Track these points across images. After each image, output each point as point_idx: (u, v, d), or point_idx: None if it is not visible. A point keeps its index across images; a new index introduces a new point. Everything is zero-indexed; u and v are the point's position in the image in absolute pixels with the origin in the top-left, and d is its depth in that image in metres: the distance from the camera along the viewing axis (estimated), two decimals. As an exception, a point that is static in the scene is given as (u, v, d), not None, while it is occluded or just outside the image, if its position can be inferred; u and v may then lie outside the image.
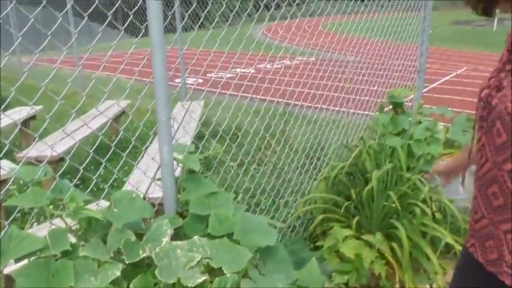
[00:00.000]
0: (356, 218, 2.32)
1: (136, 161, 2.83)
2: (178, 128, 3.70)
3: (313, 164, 2.90)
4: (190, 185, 1.65)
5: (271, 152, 2.86)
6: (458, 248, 2.31)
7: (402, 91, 3.11)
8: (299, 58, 3.68)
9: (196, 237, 1.41)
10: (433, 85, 7.76)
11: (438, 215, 2.56)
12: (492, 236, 1.09)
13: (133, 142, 1.75)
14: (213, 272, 1.36)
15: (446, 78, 8.70)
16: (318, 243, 2.34)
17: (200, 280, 1.23)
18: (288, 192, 2.63)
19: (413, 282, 2.21)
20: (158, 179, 1.63)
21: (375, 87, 3.50)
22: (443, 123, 3.20)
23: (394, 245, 2.28)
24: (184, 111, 4.08)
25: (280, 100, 2.56)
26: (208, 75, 8.28)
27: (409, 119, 2.97)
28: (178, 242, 1.35)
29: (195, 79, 8.09)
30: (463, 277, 1.28)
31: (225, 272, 1.30)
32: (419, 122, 2.94)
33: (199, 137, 3.44)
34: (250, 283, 1.36)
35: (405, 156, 2.67)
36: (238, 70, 3.86)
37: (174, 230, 1.52)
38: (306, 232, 2.48)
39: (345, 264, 2.21)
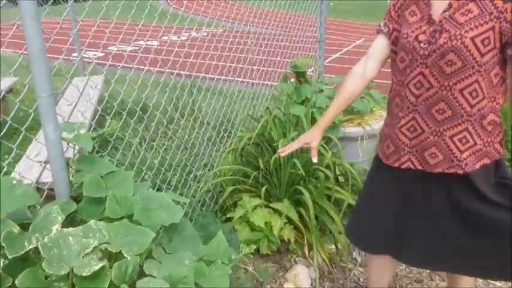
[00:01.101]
0: (264, 187, 2.35)
1: (29, 145, 2.56)
2: (75, 105, 3.41)
3: (221, 136, 2.87)
4: (84, 166, 1.51)
5: (177, 127, 2.76)
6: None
7: (304, 60, 3.17)
8: (206, 29, 3.59)
9: (92, 222, 1.30)
10: (336, 55, 8.12)
11: (341, 178, 2.70)
12: (434, 144, 1.45)
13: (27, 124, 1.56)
14: (117, 257, 1.27)
15: (348, 48, 9.15)
16: (229, 215, 2.33)
17: (97, 267, 1.14)
18: (196, 166, 2.58)
19: (321, 244, 2.31)
20: (46, 162, 1.48)
21: (278, 58, 3.53)
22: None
23: (302, 210, 2.35)
24: (81, 88, 3.77)
25: (186, 73, 2.47)
26: (110, 48, 7.77)
27: (311, 88, 3.05)
28: (71, 229, 1.24)
29: (94, 53, 7.53)
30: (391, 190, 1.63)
31: (125, 255, 1.22)
32: (321, 91, 3.04)
33: (100, 115, 3.21)
34: (154, 264, 1.29)
35: (309, 124, 2.75)
36: (142, 43, 3.63)
37: (70, 216, 1.40)
38: (217, 205, 2.45)
39: (255, 233, 2.24)
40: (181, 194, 2.39)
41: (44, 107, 1.33)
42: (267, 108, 2.89)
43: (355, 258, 2.37)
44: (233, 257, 1.41)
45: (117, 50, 5.62)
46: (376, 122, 2.93)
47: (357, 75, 1.64)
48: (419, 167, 1.51)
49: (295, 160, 2.30)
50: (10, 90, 3.90)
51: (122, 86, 2.00)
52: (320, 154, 2.56)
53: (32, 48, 1.27)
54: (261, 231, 2.23)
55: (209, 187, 2.45)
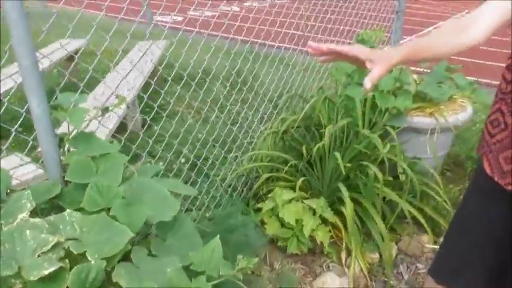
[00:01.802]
0: (301, 180, 2.06)
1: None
2: (130, 70, 3.35)
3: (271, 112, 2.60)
4: (79, 144, 1.36)
5: (236, 97, 2.54)
6: (414, 213, 2.08)
7: (374, 33, 2.74)
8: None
9: (66, 212, 1.14)
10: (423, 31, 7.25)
11: (402, 177, 2.30)
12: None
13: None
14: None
15: (439, 23, 8.16)
16: (261, 205, 2.10)
17: (47, 271, 0.98)
18: (237, 144, 2.35)
19: (361, 251, 2.00)
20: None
21: (347, 27, 3.11)
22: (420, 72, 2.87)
23: (345, 209, 2.04)
24: (140, 53, 3.70)
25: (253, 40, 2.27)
26: (188, 12, 7.71)
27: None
28: (37, 220, 1.09)
29: (170, 17, 7.55)
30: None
31: (88, 257, 1.05)
32: (390, 71, 2.60)
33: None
34: (127, 270, 1.11)
35: (369, 109, 2.37)
36: (222, 8, 3.44)
37: (54, 200, 1.26)
38: (251, 192, 2.23)
39: (285, 229, 1.98)
40: (215, 175, 2.20)
41: (27, 78, 1.18)
42: (321, 87, 2.55)
43: (401, 273, 2.03)
44: (222, 273, 1.18)
45: (194, 15, 5.53)
46: (454, 114, 2.46)
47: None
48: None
49: (336, 153, 1.97)
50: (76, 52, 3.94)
51: (185, 53, 1.87)
52: (373, 148, 2.20)
53: (10, 11, 1.10)
54: (291, 229, 1.97)
55: (242, 171, 2.22)
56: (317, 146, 2.10)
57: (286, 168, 2.12)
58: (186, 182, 2.09)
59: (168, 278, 1.12)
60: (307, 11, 2.92)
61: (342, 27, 3.05)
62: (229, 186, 2.17)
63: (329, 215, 1.92)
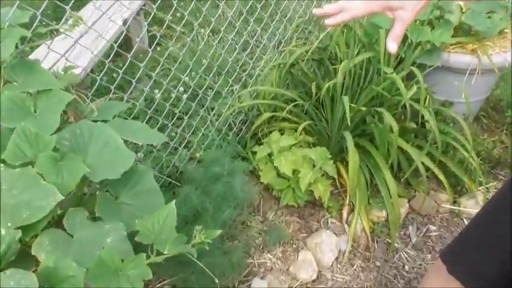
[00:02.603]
0: (304, 124, 1.78)
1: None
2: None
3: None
4: (18, 76, 1.12)
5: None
6: (430, 167, 1.80)
7: None
8: None
9: (-13, 163, 0.94)
10: None
11: (427, 126, 1.97)
12: None
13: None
14: None
15: None
16: (257, 149, 1.86)
17: None
18: (248, 71, 2.05)
19: (365, 208, 1.76)
20: None
21: None
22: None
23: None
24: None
25: None
26: None
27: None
28: None
29: None
30: None
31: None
32: None
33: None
34: (53, 241, 0.92)
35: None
36: None
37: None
38: (250, 132, 1.97)
39: (281, 179, 1.76)
40: (211, 108, 1.94)
41: None
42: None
43: (409, 235, 1.80)
44: (168, 251, 0.97)
45: None
46: (502, 52, 2.04)
47: None
48: None
49: (344, 98, 1.65)
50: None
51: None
52: (396, 89, 1.85)
53: None
54: (288, 180, 1.74)
55: (241, 108, 1.95)
56: (327, 84, 1.78)
57: (289, 108, 1.84)
58: (186, 113, 1.85)
59: (98, 254, 0.92)
60: None
61: None
62: (226, 123, 1.91)
63: (330, 168, 1.66)
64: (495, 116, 2.46)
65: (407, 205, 1.87)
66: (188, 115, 1.86)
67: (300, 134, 1.92)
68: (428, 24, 2.01)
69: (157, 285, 1.46)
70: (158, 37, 1.64)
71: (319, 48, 2.01)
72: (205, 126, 1.85)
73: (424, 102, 1.81)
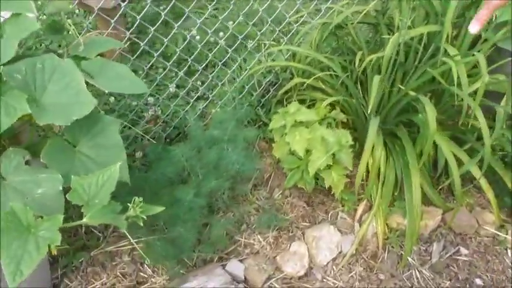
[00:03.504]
0: (331, 99, 1.52)
1: None
2: None
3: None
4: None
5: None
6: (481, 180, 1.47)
7: None
8: None
9: None
10: None
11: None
12: None
13: None
14: None
15: None
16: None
17: None
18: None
19: (383, 209, 1.49)
20: None
21: None
22: None
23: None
24: None
25: None
26: None
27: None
28: None
29: None
30: None
31: None
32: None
33: None
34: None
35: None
36: None
37: None
38: (276, 97, 1.75)
39: (292, 157, 1.54)
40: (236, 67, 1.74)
41: None
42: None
43: (431, 253, 1.51)
44: (90, 220, 0.83)
45: None
46: None
47: None
48: None
49: (376, 76, 1.34)
50: None
51: None
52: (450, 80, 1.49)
53: None
54: (300, 159, 1.51)
55: (269, 68, 1.72)
56: (371, 56, 1.48)
57: (322, 76, 1.57)
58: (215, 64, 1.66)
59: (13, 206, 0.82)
60: None
61: None
62: (250, 82, 1.70)
63: (345, 157, 1.40)
64: None
65: (440, 217, 1.56)
66: (217, 65, 1.67)
67: (332, 109, 1.67)
68: (526, 0, 1.56)
69: (120, 243, 1.37)
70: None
71: (376, 12, 1.67)
72: (222, 82, 1.66)
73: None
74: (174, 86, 1.72)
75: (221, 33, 1.91)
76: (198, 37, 1.97)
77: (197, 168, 1.37)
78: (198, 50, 1.65)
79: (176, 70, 1.65)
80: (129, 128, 1.58)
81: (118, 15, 1.51)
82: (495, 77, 1.63)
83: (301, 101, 1.74)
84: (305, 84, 1.68)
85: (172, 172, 1.35)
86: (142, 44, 1.45)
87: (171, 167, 1.35)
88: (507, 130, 1.55)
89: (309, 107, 1.73)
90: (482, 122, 1.33)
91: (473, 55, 1.44)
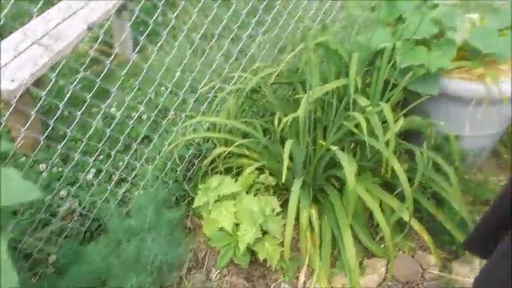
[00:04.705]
0: (257, 164, 1.48)
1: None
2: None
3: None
4: None
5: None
6: (417, 226, 1.45)
7: None
8: None
9: None
10: None
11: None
12: None
13: None
14: None
15: None
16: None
17: None
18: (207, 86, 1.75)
19: (327, 271, 1.43)
20: None
21: None
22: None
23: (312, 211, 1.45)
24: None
25: None
26: None
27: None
28: None
29: None
30: None
31: None
32: (435, 6, 1.76)
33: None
34: None
35: (385, 64, 1.62)
36: None
37: None
38: (201, 170, 1.68)
39: (222, 233, 1.45)
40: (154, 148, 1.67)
41: None
42: (324, 25, 1.79)
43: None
44: None
45: None
46: (515, 80, 1.63)
47: None
48: None
49: (289, 141, 1.32)
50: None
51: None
52: (383, 121, 1.50)
53: None
54: (230, 235, 1.43)
55: (188, 141, 1.66)
56: (287, 118, 1.46)
57: (245, 142, 1.53)
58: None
59: None
60: None
61: None
62: (172, 157, 1.63)
63: (274, 226, 1.34)
64: (517, 151, 2.04)
65: (385, 268, 1.51)
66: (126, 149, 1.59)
67: (260, 174, 1.62)
68: (424, 44, 1.63)
69: None
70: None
71: (289, 71, 1.68)
72: (141, 162, 1.58)
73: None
74: (92, 172, 1.62)
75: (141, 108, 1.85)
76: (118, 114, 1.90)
77: (115, 266, 1.25)
78: (114, 130, 1.56)
79: (88, 159, 1.56)
80: (43, 227, 1.45)
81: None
82: (411, 118, 1.67)
83: (228, 169, 1.69)
84: (229, 152, 1.63)
85: (88, 276, 1.22)
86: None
87: (87, 269, 1.23)
88: (431, 170, 1.56)
89: (238, 172, 1.68)
90: (398, 170, 1.32)
91: (383, 103, 1.45)
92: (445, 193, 1.50)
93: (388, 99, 1.61)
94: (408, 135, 1.78)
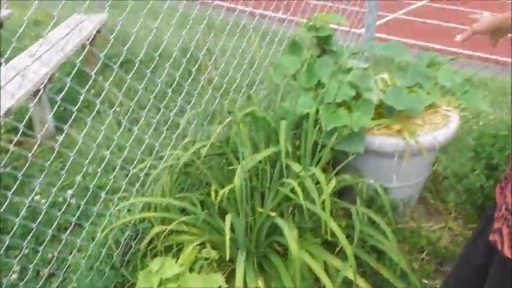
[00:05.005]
0: (197, 241, 1.44)
1: None
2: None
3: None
4: None
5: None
6: (362, 283, 1.46)
7: (330, 17, 2.04)
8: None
9: None
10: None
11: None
12: None
13: None
14: None
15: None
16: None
17: None
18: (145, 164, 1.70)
19: None
20: None
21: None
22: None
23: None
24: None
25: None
26: None
27: (336, 64, 1.94)
28: None
29: None
30: None
31: None
32: (349, 70, 1.91)
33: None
34: None
35: (311, 126, 1.70)
36: None
37: None
38: (139, 252, 1.60)
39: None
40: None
41: None
42: (249, 96, 1.86)
43: None
44: None
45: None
46: (430, 133, 1.78)
47: None
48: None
49: (227, 216, 1.32)
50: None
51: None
52: (316, 183, 1.54)
53: None
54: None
55: (122, 225, 1.59)
56: (223, 191, 1.45)
57: (182, 219, 1.49)
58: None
59: None
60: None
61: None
62: (104, 245, 1.54)
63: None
64: (442, 194, 2.17)
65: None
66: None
67: (202, 249, 1.57)
68: (346, 106, 1.74)
69: None
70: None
71: (220, 142, 1.70)
72: (72, 254, 1.48)
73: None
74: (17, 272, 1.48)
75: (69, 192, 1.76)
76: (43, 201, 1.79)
77: None
78: (41, 221, 1.46)
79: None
80: None
81: None
82: (342, 177, 1.74)
83: (168, 248, 1.63)
84: (168, 230, 1.58)
85: None
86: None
87: None
88: (367, 225, 1.61)
89: (179, 249, 1.62)
90: (337, 230, 1.35)
91: (314, 168, 1.50)
92: (383, 246, 1.54)
93: (319, 160, 1.68)
94: (342, 191, 1.84)
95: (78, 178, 1.65)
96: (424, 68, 1.96)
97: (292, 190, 1.48)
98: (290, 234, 1.31)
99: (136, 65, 1.53)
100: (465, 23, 1.27)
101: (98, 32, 3.05)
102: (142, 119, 1.59)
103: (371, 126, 1.72)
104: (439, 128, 1.80)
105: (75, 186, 1.54)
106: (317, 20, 1.99)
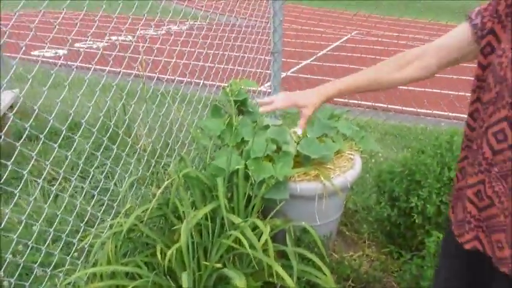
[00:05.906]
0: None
1: None
2: None
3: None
4: None
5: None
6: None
7: (244, 82, 2.31)
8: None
9: None
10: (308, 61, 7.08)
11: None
12: (503, 229, 0.95)
13: None
14: None
15: (335, 44, 8.20)
16: None
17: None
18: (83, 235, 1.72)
19: None
20: None
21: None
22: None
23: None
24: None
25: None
26: (76, 44, 7.09)
27: (254, 123, 2.19)
28: None
29: (55, 51, 6.80)
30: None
31: None
32: (266, 127, 2.17)
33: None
34: None
35: (242, 180, 1.89)
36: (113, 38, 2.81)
37: None
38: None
39: None
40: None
41: None
42: (181, 158, 2.02)
43: None
44: None
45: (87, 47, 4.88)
46: (341, 174, 2.08)
47: (409, 57, 1.13)
48: (489, 252, 1.01)
49: (183, 275, 1.43)
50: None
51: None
52: (253, 229, 1.71)
53: None
54: None
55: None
56: (171, 250, 1.56)
57: (133, 284, 1.55)
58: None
59: None
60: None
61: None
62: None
63: None
64: (355, 226, 2.48)
65: None
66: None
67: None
68: (268, 159, 1.98)
69: None
70: None
71: (160, 205, 1.81)
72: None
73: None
74: None
75: None
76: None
77: None
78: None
79: None
80: None
81: None
82: (273, 222, 1.94)
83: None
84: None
85: None
86: None
87: None
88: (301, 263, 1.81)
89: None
90: (282, 273, 1.52)
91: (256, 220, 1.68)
92: (319, 279, 1.74)
93: (252, 209, 1.87)
94: (274, 235, 2.04)
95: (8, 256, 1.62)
96: (326, 120, 2.30)
97: (235, 240, 1.63)
98: (240, 283, 1.45)
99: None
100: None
101: (11, 107, 2.97)
102: (85, 191, 1.65)
103: (292, 174, 1.97)
104: (348, 170, 2.11)
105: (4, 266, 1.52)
106: (233, 86, 2.24)
